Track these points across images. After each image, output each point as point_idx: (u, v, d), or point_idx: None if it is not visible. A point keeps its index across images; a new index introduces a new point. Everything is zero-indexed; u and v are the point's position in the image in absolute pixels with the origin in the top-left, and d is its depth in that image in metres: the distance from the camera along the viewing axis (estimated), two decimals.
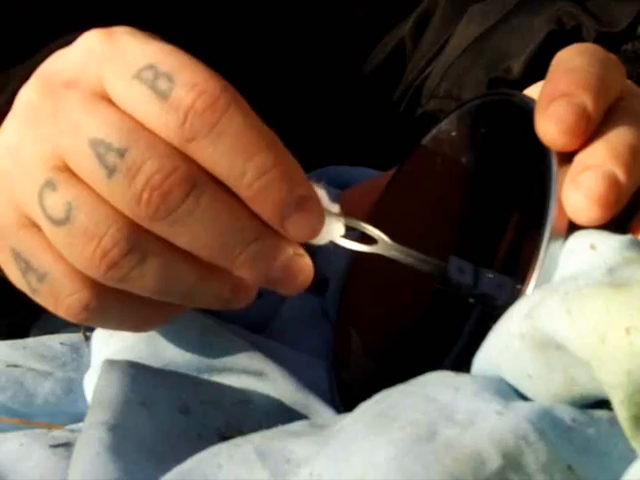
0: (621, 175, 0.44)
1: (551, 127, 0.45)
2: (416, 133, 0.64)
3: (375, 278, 0.55)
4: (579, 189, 0.44)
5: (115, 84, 0.45)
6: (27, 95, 0.47)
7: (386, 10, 0.76)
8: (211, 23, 0.71)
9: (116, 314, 0.48)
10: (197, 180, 0.44)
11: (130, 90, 0.45)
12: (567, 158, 0.46)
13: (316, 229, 0.46)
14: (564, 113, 0.45)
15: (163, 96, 0.44)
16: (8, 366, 0.53)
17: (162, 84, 0.44)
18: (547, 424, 0.38)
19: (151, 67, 0.45)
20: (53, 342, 0.55)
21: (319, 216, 0.46)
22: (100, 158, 0.44)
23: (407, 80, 0.75)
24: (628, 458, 0.37)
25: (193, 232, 0.44)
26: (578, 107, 0.45)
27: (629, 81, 0.49)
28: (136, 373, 0.47)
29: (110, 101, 0.45)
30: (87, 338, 0.56)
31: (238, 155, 0.44)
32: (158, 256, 0.45)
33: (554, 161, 0.46)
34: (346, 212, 0.50)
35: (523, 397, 0.41)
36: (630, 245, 0.42)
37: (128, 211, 0.44)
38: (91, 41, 0.47)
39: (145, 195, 0.43)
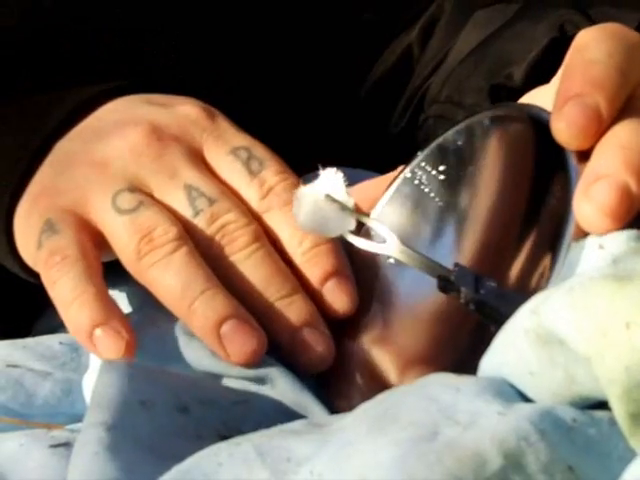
0: (634, 185, 0.43)
1: (563, 128, 0.46)
2: (416, 138, 0.64)
3: (367, 282, 0.55)
4: (591, 201, 0.44)
5: (213, 153, 0.57)
6: (136, 134, 0.56)
7: (393, 16, 0.76)
8: (216, 27, 0.71)
9: None
10: (261, 237, 0.54)
11: (225, 161, 0.56)
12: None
13: (348, 303, 0.54)
14: (576, 115, 0.45)
15: (253, 174, 0.56)
16: (8, 366, 0.53)
17: (254, 165, 0.56)
18: (548, 424, 0.38)
19: (246, 149, 0.56)
20: (52, 342, 0.55)
21: (351, 290, 0.54)
22: (190, 200, 0.54)
23: (413, 86, 0.74)
24: (628, 459, 0.37)
25: (245, 271, 0.53)
26: (591, 109, 0.45)
27: None
28: (135, 373, 0.47)
29: (205, 163, 0.56)
30: None
31: (299, 230, 0.54)
32: (185, 256, 0.53)
33: (574, 175, 0.46)
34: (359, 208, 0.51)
35: (525, 399, 0.41)
36: (637, 237, 0.42)
37: (198, 238, 0.54)
38: (194, 112, 0.58)
39: (219, 235, 0.54)
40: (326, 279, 0.54)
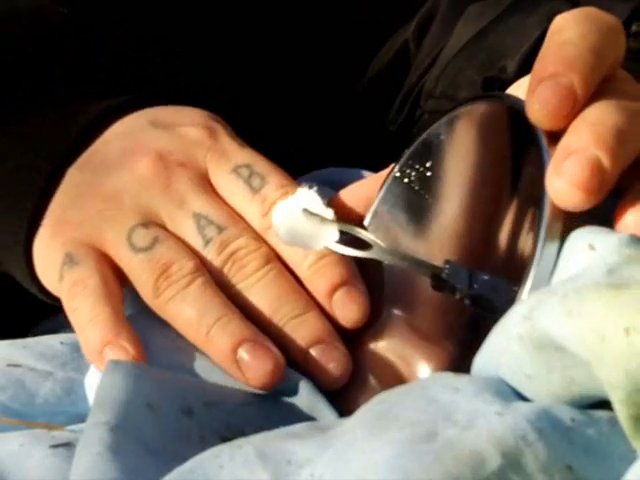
0: (605, 159, 0.44)
1: (537, 109, 0.46)
2: (412, 134, 0.64)
3: (374, 287, 0.55)
4: (562, 176, 0.44)
5: (216, 174, 0.57)
6: (143, 166, 0.57)
7: (389, 13, 0.76)
8: (215, 27, 0.71)
9: None
10: (272, 259, 0.54)
11: (227, 180, 0.57)
12: None
13: (358, 312, 0.53)
14: (550, 95, 0.46)
15: (254, 190, 0.56)
16: (8, 366, 0.53)
17: (255, 181, 0.56)
18: (546, 424, 0.38)
19: (247, 166, 0.57)
20: (53, 341, 0.55)
21: (363, 302, 0.54)
22: (200, 229, 0.55)
23: (410, 82, 0.75)
24: (628, 459, 0.37)
25: (257, 294, 0.54)
26: (564, 88, 0.46)
27: (622, 70, 0.49)
28: (139, 374, 0.47)
29: (212, 185, 0.57)
30: None
31: None
32: (200, 287, 0.53)
33: (549, 162, 0.46)
34: (340, 216, 0.51)
35: (523, 398, 0.41)
36: (629, 243, 0.42)
37: (209, 267, 0.54)
38: (197, 133, 0.58)
39: (229, 263, 0.54)
40: (334, 290, 0.54)
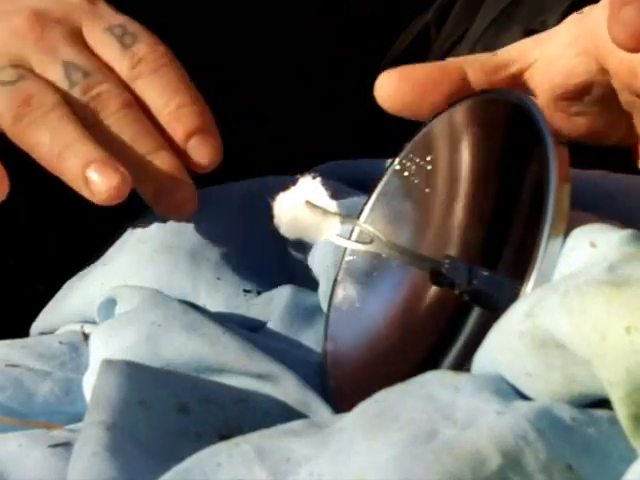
0: None
1: (621, 31, 0.46)
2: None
3: (366, 275, 0.55)
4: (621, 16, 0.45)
5: (90, 32, 0.62)
6: (20, 20, 0.61)
7: (404, 2, 0.76)
8: (217, 11, 0.72)
9: None
10: (132, 104, 0.60)
11: (101, 38, 0.61)
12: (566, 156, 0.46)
13: (212, 154, 0.60)
14: (635, 16, 0.46)
15: (126, 47, 0.61)
16: (7, 366, 0.53)
17: (127, 39, 0.61)
18: (546, 423, 0.38)
19: (121, 26, 0.62)
20: (52, 341, 0.55)
21: (215, 144, 0.60)
22: (67, 74, 0.60)
23: None
24: (628, 458, 0.37)
25: (115, 132, 0.59)
26: None
27: None
28: (134, 372, 0.47)
29: (84, 43, 0.61)
30: (86, 337, 0.56)
31: (165, 93, 0.61)
32: (60, 115, 0.58)
33: (554, 158, 0.46)
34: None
35: (523, 396, 0.41)
36: (630, 240, 0.42)
37: (72, 105, 0.59)
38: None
39: (93, 103, 0.59)
40: (190, 136, 0.60)
